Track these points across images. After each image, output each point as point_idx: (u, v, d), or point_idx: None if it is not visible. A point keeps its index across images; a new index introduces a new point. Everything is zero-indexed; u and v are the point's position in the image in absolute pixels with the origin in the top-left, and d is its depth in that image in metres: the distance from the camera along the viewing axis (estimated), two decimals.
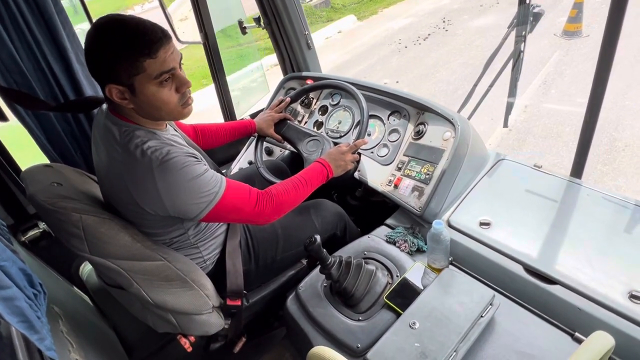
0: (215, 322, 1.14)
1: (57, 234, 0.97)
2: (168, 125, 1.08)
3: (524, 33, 1.57)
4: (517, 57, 1.67)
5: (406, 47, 6.03)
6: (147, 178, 0.90)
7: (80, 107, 1.40)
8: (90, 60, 0.88)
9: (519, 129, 3.48)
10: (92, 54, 0.87)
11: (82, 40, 1.47)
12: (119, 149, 0.92)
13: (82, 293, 1.50)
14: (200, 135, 1.45)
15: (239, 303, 1.18)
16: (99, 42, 0.86)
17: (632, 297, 0.94)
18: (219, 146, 1.52)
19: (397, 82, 4.96)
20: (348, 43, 6.88)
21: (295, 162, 1.84)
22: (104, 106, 1.02)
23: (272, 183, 1.43)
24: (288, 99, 1.63)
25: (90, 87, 1.50)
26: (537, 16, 1.56)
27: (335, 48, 6.83)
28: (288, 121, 1.60)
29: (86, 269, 1.56)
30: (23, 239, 1.45)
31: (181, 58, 0.94)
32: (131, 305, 1.17)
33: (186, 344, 1.19)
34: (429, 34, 6.33)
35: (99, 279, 1.25)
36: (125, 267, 0.96)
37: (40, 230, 1.48)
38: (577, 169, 1.45)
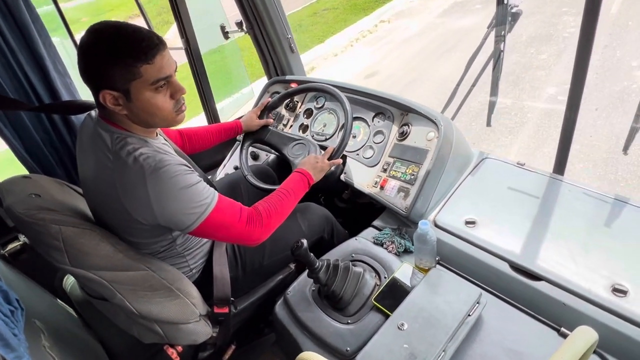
0: (202, 331, 1.13)
1: (36, 246, 0.94)
2: (158, 134, 1.07)
3: (503, 33, 1.60)
4: (497, 57, 1.69)
5: None
6: (139, 185, 0.89)
7: (58, 109, 1.37)
8: (85, 66, 0.87)
9: None
10: (87, 59, 0.86)
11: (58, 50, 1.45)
12: (111, 156, 0.91)
13: (66, 305, 1.46)
14: (186, 140, 1.44)
15: (226, 310, 1.16)
16: (95, 47, 0.85)
17: (615, 290, 0.96)
18: (207, 149, 1.51)
19: None
20: None
21: (282, 167, 1.83)
22: (93, 113, 1.01)
23: (258, 188, 1.42)
24: (268, 99, 1.63)
25: (69, 95, 1.47)
26: (516, 16, 1.59)
27: None
28: (270, 127, 1.59)
29: (70, 280, 1.52)
30: (3, 252, 1.42)
31: (176, 66, 0.95)
32: (116, 317, 1.15)
33: (173, 354, 1.17)
34: None
35: (82, 290, 1.22)
36: (108, 278, 0.94)
37: (21, 242, 1.44)
38: (560, 166, 1.47)
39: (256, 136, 1.59)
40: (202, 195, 0.95)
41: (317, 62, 5.94)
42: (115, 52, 0.84)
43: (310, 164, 1.28)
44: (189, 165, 0.99)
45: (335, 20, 7.30)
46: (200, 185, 0.96)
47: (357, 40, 6.40)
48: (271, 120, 1.61)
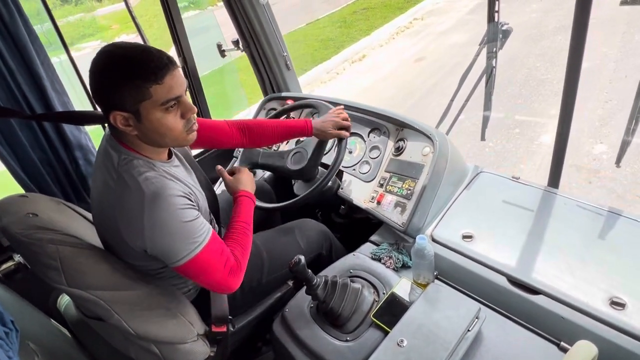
0: (200, 351, 1.11)
1: (32, 266, 0.94)
2: (173, 156, 1.07)
3: (494, 50, 1.63)
4: (489, 73, 1.72)
5: None
6: (135, 211, 0.88)
7: (54, 118, 1.36)
8: (95, 87, 0.87)
9: None
10: (97, 81, 0.86)
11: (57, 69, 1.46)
12: (115, 176, 0.91)
13: (60, 326, 1.44)
14: (247, 132, 1.36)
15: (224, 329, 1.15)
16: (105, 68, 0.85)
17: (613, 303, 0.96)
18: (268, 145, 1.46)
19: None
20: None
21: (279, 182, 1.83)
22: (107, 129, 1.01)
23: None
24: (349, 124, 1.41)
25: None
26: (506, 33, 1.63)
27: None
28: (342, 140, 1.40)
29: (64, 300, 1.50)
30: None
31: (187, 86, 0.94)
32: (112, 337, 1.13)
33: None
34: None
35: (78, 310, 1.20)
36: (105, 298, 0.93)
37: (15, 262, 1.43)
38: (554, 179, 1.48)
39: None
40: (196, 233, 0.93)
41: (366, 52, 6.92)
42: (124, 73, 0.84)
43: (243, 183, 1.25)
44: (193, 196, 0.98)
45: (375, 17, 8.25)
46: (197, 222, 0.95)
47: (397, 34, 7.30)
48: (347, 133, 1.40)
